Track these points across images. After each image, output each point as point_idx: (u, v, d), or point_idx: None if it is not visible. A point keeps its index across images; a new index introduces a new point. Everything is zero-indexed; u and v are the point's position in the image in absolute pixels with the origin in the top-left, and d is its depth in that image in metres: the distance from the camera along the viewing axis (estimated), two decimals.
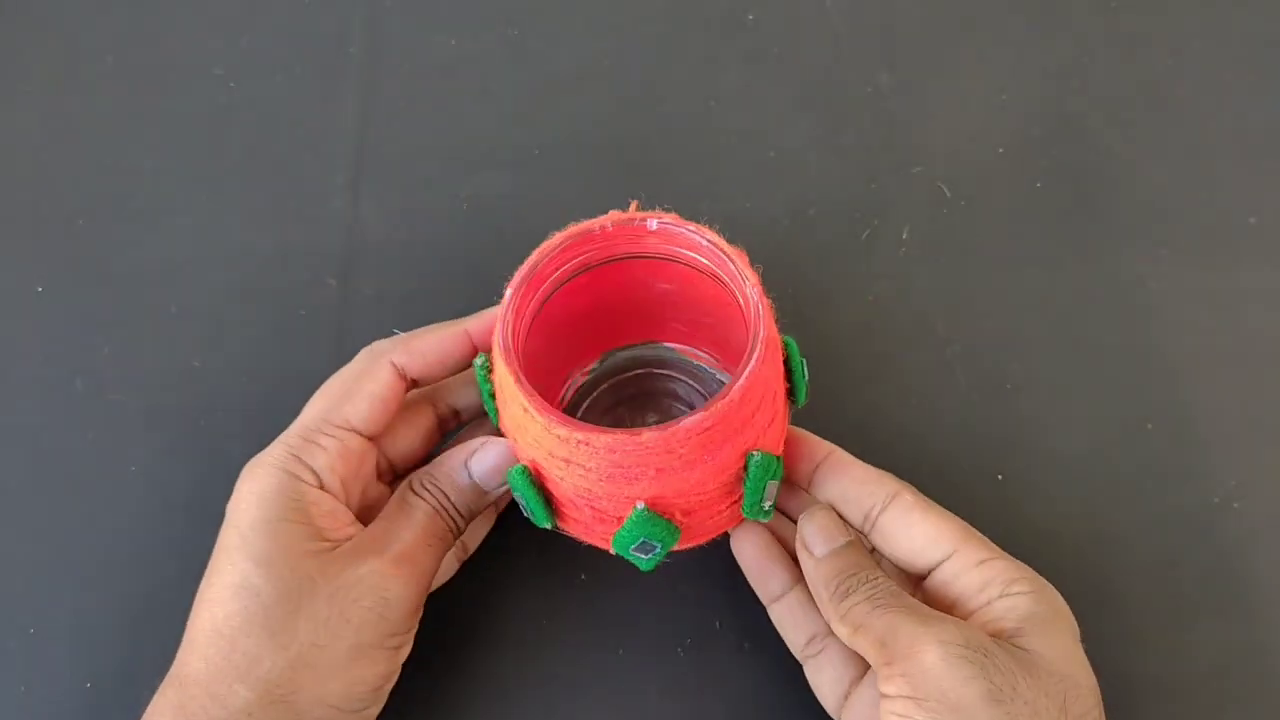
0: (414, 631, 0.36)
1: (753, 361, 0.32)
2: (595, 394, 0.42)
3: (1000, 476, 0.43)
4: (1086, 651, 0.34)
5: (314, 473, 0.35)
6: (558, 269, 0.36)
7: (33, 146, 0.49)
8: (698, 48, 0.52)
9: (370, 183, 0.48)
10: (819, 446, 0.37)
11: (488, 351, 0.37)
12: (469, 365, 0.38)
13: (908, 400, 0.44)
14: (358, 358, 0.38)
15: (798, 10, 0.53)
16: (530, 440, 0.33)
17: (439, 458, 0.37)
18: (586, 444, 0.31)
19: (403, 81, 0.51)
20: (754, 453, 0.34)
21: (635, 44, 0.52)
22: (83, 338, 0.44)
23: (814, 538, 0.36)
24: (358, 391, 0.36)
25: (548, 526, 0.36)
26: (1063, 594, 0.35)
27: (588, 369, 0.42)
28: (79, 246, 0.46)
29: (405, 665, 0.39)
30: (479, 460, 0.37)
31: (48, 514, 0.41)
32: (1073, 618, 0.34)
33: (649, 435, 0.31)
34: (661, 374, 0.42)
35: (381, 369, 0.37)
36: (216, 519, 0.41)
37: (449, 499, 0.37)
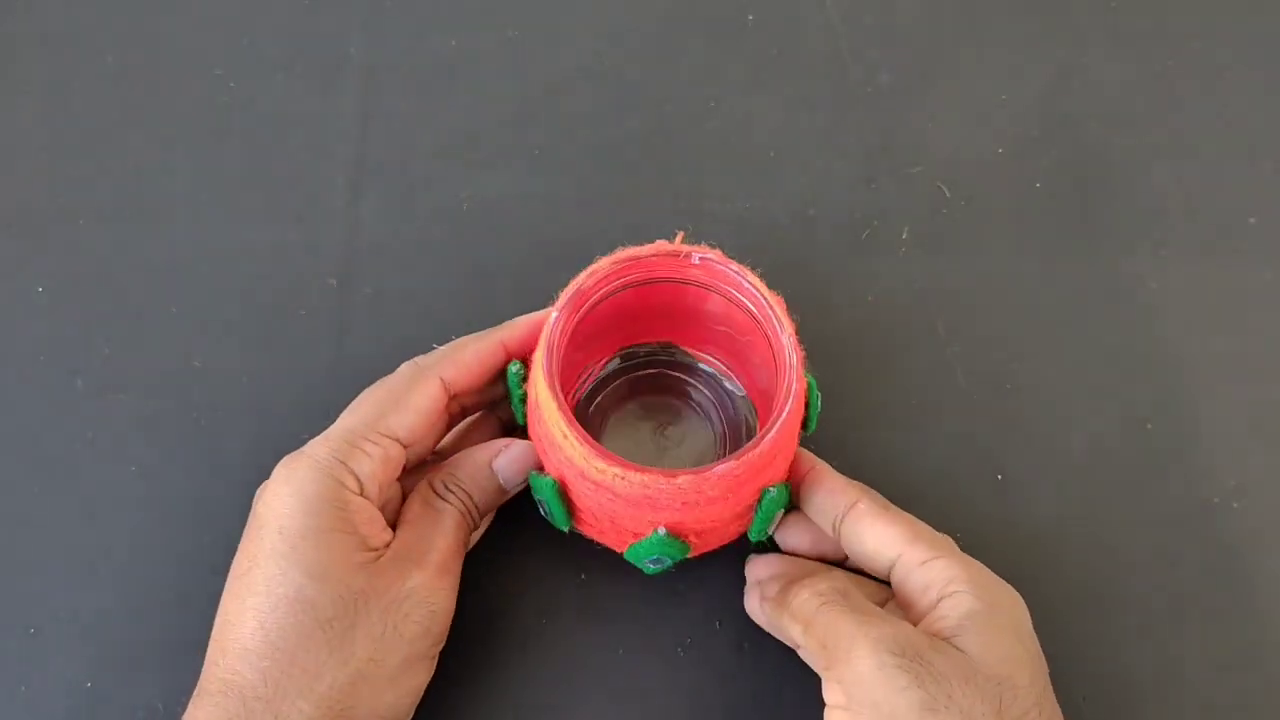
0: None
1: (784, 415, 0.34)
2: (611, 387, 0.42)
3: (1000, 476, 0.43)
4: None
5: (358, 479, 0.34)
6: (600, 289, 0.37)
7: (33, 146, 0.48)
8: (698, 47, 0.52)
9: (370, 183, 0.48)
10: (802, 462, 0.38)
11: (521, 357, 0.38)
12: (503, 373, 0.39)
13: (908, 400, 0.44)
14: (401, 370, 0.37)
15: (798, 10, 0.53)
16: (563, 459, 0.34)
17: (458, 456, 0.37)
18: (622, 478, 0.33)
19: (403, 81, 0.51)
20: (769, 488, 0.35)
21: (635, 44, 0.52)
22: (83, 338, 0.44)
23: (757, 569, 0.38)
24: (406, 404, 0.36)
25: (565, 530, 0.37)
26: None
27: (604, 362, 0.43)
28: (79, 246, 0.46)
29: None
30: (506, 462, 0.37)
31: (48, 514, 0.41)
32: (1019, 611, 0.34)
33: (684, 478, 0.32)
34: (674, 375, 0.43)
35: (430, 384, 0.36)
36: (216, 519, 0.41)
37: (472, 499, 0.37)
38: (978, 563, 0.35)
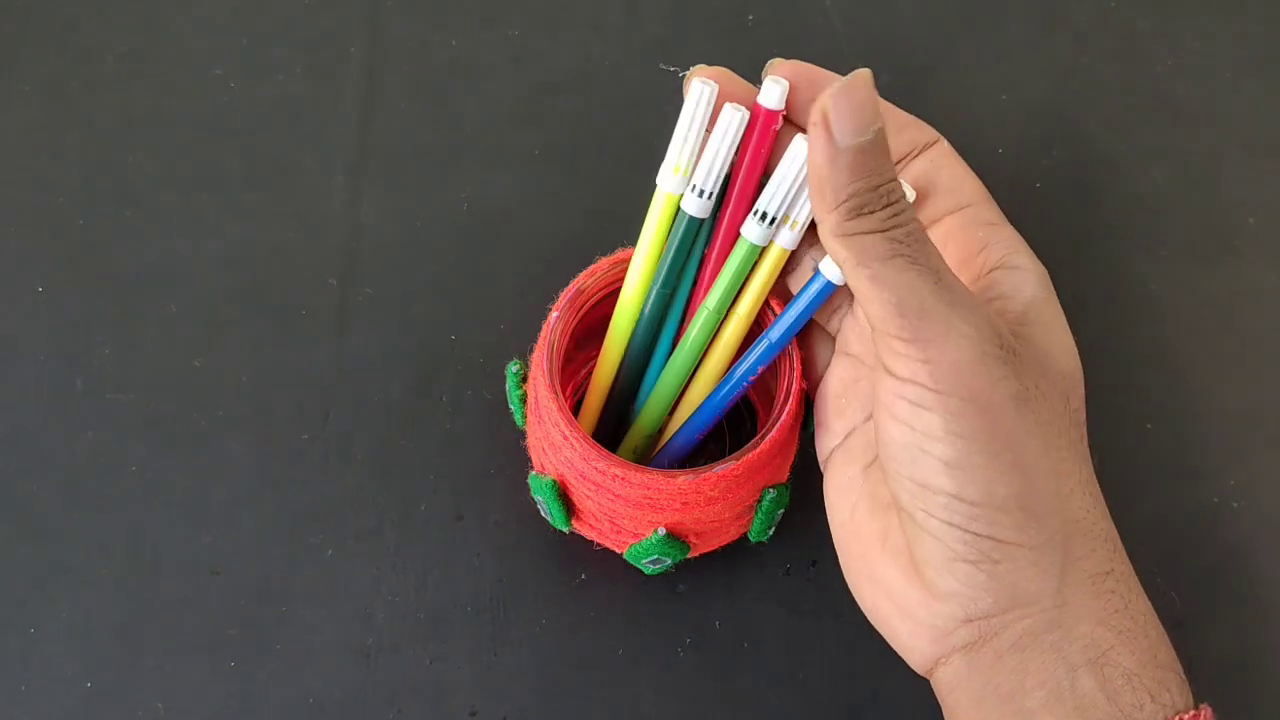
0: None
1: (784, 415, 0.34)
2: None
3: None
4: None
5: None
6: (600, 289, 0.37)
7: (33, 146, 0.48)
8: (698, 48, 0.52)
9: (370, 183, 0.48)
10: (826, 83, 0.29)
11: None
12: None
13: None
14: None
15: (798, 10, 0.53)
16: (563, 460, 0.34)
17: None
18: (622, 479, 0.33)
19: (403, 81, 0.51)
20: (769, 489, 0.36)
21: (635, 44, 0.52)
22: (83, 338, 0.44)
23: (844, 117, 0.27)
24: None
25: (565, 530, 0.37)
26: None
27: None
28: (79, 246, 0.46)
29: (403, 664, 0.39)
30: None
31: (48, 514, 0.41)
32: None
33: (683, 479, 0.33)
34: None
35: None
36: (216, 519, 0.41)
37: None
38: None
